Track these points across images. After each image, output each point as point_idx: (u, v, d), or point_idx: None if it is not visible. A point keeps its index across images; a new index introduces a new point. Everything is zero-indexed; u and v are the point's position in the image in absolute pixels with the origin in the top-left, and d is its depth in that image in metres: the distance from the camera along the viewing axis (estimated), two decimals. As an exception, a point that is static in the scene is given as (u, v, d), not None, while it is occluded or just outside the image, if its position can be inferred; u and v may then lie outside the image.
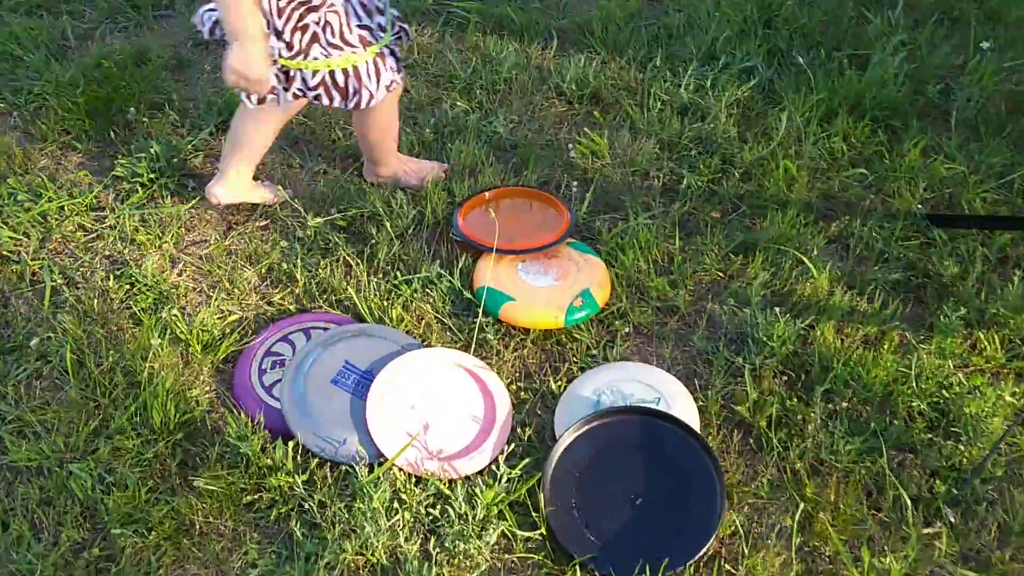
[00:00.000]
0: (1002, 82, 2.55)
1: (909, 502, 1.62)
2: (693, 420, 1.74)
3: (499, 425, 1.74)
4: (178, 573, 1.54)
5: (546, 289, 1.95)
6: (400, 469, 1.64)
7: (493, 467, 1.65)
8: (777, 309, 1.90)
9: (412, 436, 1.68)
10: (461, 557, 1.53)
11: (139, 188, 2.21)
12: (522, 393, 1.82)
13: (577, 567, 1.53)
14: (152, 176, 2.21)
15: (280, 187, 2.19)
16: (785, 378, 1.83)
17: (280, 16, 1.73)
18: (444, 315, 1.94)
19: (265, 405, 1.75)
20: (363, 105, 1.87)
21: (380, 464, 1.65)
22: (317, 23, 1.75)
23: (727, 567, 1.55)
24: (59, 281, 2.00)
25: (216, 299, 1.97)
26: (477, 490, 1.60)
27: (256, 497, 1.62)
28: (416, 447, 1.67)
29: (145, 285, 1.98)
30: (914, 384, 1.79)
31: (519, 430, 1.75)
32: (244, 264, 2.06)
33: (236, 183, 2.10)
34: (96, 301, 1.94)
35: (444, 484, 1.63)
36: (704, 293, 2.02)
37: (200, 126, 2.40)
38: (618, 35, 2.74)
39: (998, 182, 2.26)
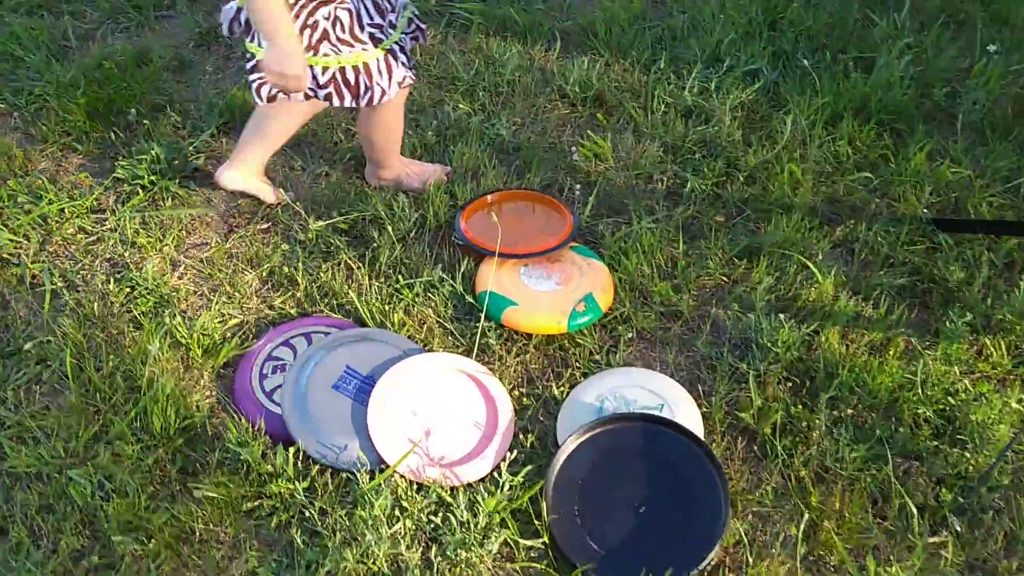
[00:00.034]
0: (1009, 85, 2.53)
1: (915, 510, 1.61)
2: (697, 427, 1.73)
3: (501, 431, 1.72)
4: (178, 581, 1.54)
5: (549, 294, 1.94)
6: (401, 476, 1.63)
7: (495, 474, 1.64)
8: (782, 315, 1.88)
9: (414, 443, 1.67)
10: (463, 566, 1.52)
11: (140, 190, 2.20)
12: (524, 399, 1.81)
13: (580, 576, 1.52)
14: (153, 178, 2.20)
15: (281, 190, 2.18)
16: (790, 384, 1.82)
17: (289, 12, 1.73)
18: (446, 319, 1.93)
19: (266, 410, 1.74)
20: (375, 102, 1.86)
21: (381, 471, 1.64)
22: (327, 19, 1.74)
23: (731, 576, 1.54)
24: (59, 284, 1.99)
25: (217, 303, 1.96)
26: (479, 497, 1.59)
27: (256, 504, 1.61)
28: (418, 453, 1.66)
29: (145, 288, 1.97)
30: (920, 391, 1.78)
31: (521, 436, 1.73)
32: (245, 267, 2.05)
33: (248, 171, 2.10)
34: (96, 304, 1.93)
35: (446, 491, 1.62)
36: (708, 298, 2.00)
37: (201, 128, 2.39)
38: (622, 37, 2.72)
39: (1004, 186, 2.24)
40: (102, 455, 1.66)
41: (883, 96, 2.43)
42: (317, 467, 1.65)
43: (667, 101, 2.48)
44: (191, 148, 2.31)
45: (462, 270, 1.99)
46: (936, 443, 1.72)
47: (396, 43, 1.85)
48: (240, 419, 1.71)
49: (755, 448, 1.73)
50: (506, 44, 2.70)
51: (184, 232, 2.13)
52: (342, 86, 1.82)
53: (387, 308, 1.93)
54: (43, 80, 2.50)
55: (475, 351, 1.86)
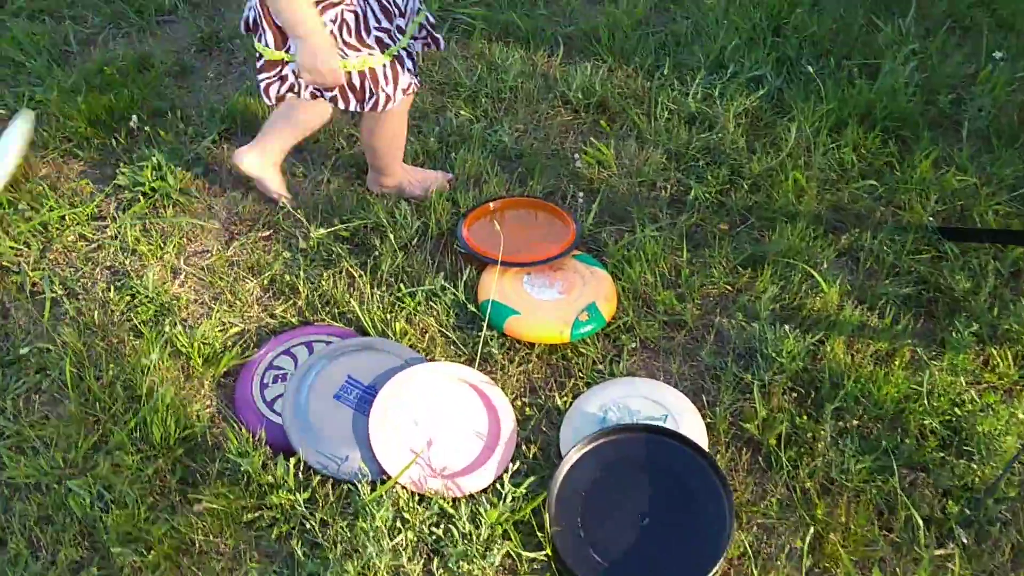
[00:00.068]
0: (1015, 92, 2.51)
1: (921, 523, 1.59)
2: (701, 438, 1.71)
3: (504, 442, 1.71)
4: (177, 593, 1.52)
5: (551, 302, 1.93)
6: (403, 487, 1.62)
7: (497, 485, 1.63)
8: (787, 325, 1.87)
9: (416, 453, 1.65)
10: (465, 578, 1.51)
11: (141, 197, 2.19)
12: (527, 409, 1.79)
13: (583, 589, 1.51)
14: (154, 185, 2.19)
15: (288, 194, 2.17)
16: (795, 395, 1.80)
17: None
18: (448, 328, 1.91)
19: (266, 420, 1.73)
20: (379, 108, 1.85)
21: (383, 481, 1.63)
22: (334, 22, 1.73)
23: (736, 590, 1.53)
24: (59, 292, 1.98)
25: (218, 311, 1.95)
26: (481, 509, 1.57)
27: (257, 515, 1.60)
28: (419, 464, 1.64)
29: (146, 297, 1.96)
30: (926, 401, 1.76)
31: (524, 447, 1.72)
32: (246, 275, 2.04)
33: (267, 158, 2.10)
34: (96, 313, 1.92)
35: (448, 503, 1.60)
36: (712, 307, 1.99)
37: (203, 134, 2.38)
38: (625, 42, 2.71)
39: (1010, 195, 2.23)
40: (101, 465, 1.65)
41: (888, 103, 2.41)
42: (318, 478, 1.64)
43: (671, 108, 2.47)
44: (192, 155, 2.29)
45: (464, 278, 1.98)
46: (942, 454, 1.71)
47: (404, 49, 1.84)
48: (240, 429, 1.70)
49: (760, 459, 1.71)
50: (509, 49, 2.69)
51: (185, 240, 2.12)
52: (347, 90, 1.82)
53: (389, 317, 1.92)
54: (44, 85, 2.49)
55: (477, 360, 1.85)
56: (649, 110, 2.48)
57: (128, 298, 1.97)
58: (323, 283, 1.99)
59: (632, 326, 1.93)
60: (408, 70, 1.86)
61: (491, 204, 2.16)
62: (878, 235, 2.12)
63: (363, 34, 1.76)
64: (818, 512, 1.60)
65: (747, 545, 1.57)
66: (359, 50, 1.77)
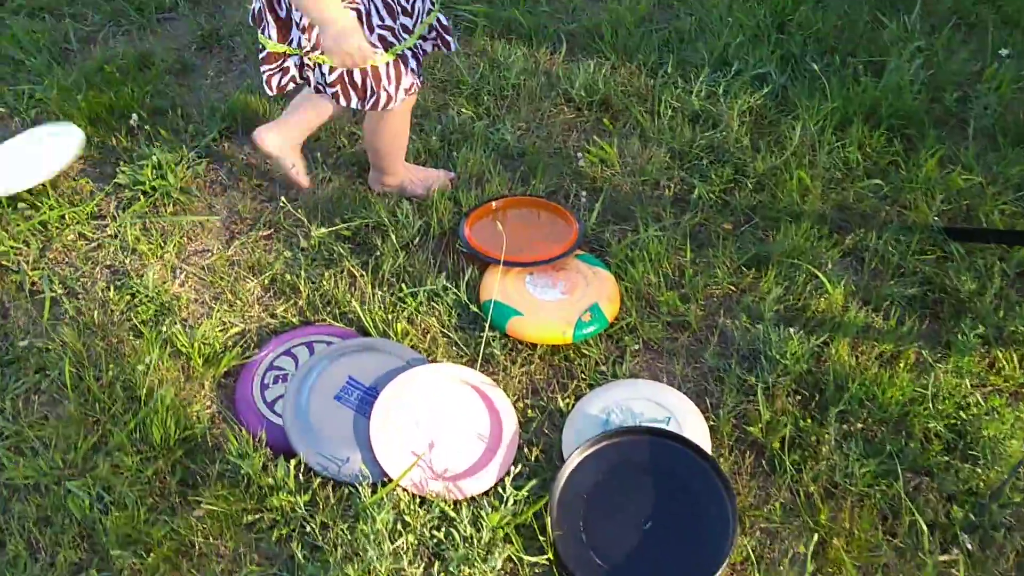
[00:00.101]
0: (1021, 90, 2.49)
1: (925, 528, 1.58)
2: (704, 441, 1.70)
3: (505, 444, 1.70)
4: (177, 596, 1.52)
5: (554, 303, 1.91)
6: (404, 490, 1.61)
7: (499, 488, 1.62)
8: (791, 328, 1.85)
9: (417, 456, 1.64)
10: (466, 582, 1.50)
11: (141, 196, 2.18)
12: (529, 411, 1.78)
13: (585, 593, 1.50)
14: (155, 184, 2.18)
15: (305, 181, 2.17)
16: (799, 397, 1.79)
17: (297, 9, 1.72)
18: (450, 329, 1.90)
19: (267, 421, 1.72)
20: (380, 107, 1.84)
21: (384, 484, 1.62)
22: None
23: (738, 594, 1.52)
24: (59, 291, 1.97)
25: (218, 311, 1.94)
26: (483, 512, 1.56)
27: (257, 517, 1.59)
28: (421, 467, 1.63)
29: (146, 296, 1.95)
30: (931, 405, 1.75)
31: (526, 449, 1.71)
32: (247, 275, 2.03)
33: (289, 139, 2.09)
34: (96, 312, 1.91)
35: (449, 505, 1.59)
36: (716, 308, 1.97)
37: (204, 132, 2.37)
38: (628, 39, 2.69)
39: (1016, 194, 2.21)
40: (101, 466, 1.64)
41: (893, 101, 2.39)
42: (319, 480, 1.63)
43: (674, 105, 2.45)
44: (193, 153, 2.28)
45: (466, 278, 1.97)
46: (947, 458, 1.69)
47: (409, 49, 1.83)
48: (241, 430, 1.69)
49: (763, 463, 1.70)
50: (511, 47, 2.67)
51: (185, 239, 2.11)
52: (349, 87, 1.80)
53: (390, 317, 1.90)
54: (44, 83, 2.47)
55: (479, 361, 1.83)
56: (652, 108, 2.46)
57: (128, 297, 1.96)
58: (324, 283, 1.98)
59: (635, 327, 1.92)
60: (412, 70, 1.84)
61: (493, 203, 2.15)
62: (883, 235, 2.10)
63: (365, 31, 1.75)
64: (822, 517, 1.59)
65: (750, 550, 1.56)
66: None
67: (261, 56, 1.84)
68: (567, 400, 1.79)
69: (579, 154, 2.34)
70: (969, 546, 1.57)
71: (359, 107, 1.84)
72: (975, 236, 2.09)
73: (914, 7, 2.76)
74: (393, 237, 2.05)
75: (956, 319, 1.92)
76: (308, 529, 1.56)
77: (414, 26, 1.82)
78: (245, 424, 1.72)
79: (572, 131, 2.44)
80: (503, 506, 1.57)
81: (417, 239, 2.09)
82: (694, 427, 1.71)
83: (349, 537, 1.54)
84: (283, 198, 2.17)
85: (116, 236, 2.10)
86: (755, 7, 2.76)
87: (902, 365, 1.83)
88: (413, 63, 1.85)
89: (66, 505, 1.58)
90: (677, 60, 2.61)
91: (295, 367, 1.80)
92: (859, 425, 1.73)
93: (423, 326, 1.90)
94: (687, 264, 2.04)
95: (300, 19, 1.73)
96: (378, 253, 2.04)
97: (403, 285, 1.97)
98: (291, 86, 1.87)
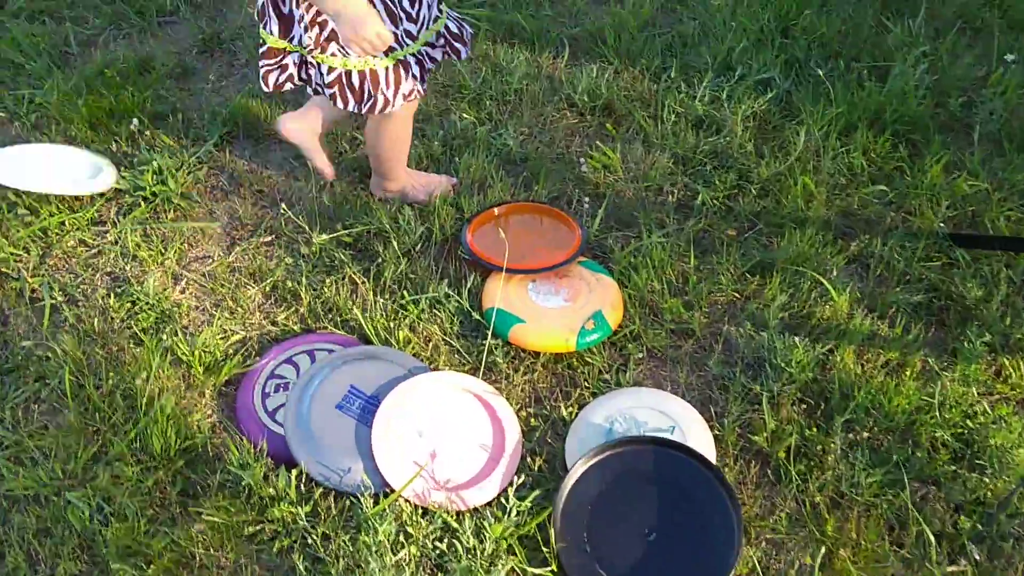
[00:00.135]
0: (1026, 95, 2.48)
1: (932, 538, 1.57)
2: (709, 450, 1.68)
3: (508, 454, 1.69)
4: (177, 608, 1.50)
5: (557, 310, 1.90)
6: (406, 500, 1.59)
7: (502, 498, 1.60)
8: (796, 335, 1.84)
9: (420, 466, 1.63)
10: (469, 594, 1.49)
11: (142, 202, 2.17)
12: (532, 420, 1.77)
13: (589, 606, 1.48)
14: (155, 190, 2.16)
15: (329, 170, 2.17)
16: (804, 406, 1.77)
17: (299, 6, 1.72)
18: (452, 337, 1.89)
19: (268, 431, 1.70)
20: (377, 111, 1.82)
21: (386, 494, 1.61)
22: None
23: (744, 606, 1.50)
24: (59, 299, 1.96)
25: (219, 318, 1.92)
26: (486, 523, 1.55)
27: (258, 528, 1.58)
28: (423, 477, 1.62)
29: (147, 303, 1.94)
30: (937, 413, 1.74)
31: (529, 459, 1.69)
32: (248, 282, 2.01)
33: (310, 128, 2.10)
34: (96, 320, 1.89)
35: (451, 516, 1.58)
36: (720, 315, 1.96)
37: (205, 137, 2.36)
38: (631, 44, 2.68)
39: (1022, 200, 2.19)
40: (101, 477, 1.62)
41: (898, 106, 2.38)
42: (320, 490, 1.62)
43: (677, 111, 2.44)
44: (194, 159, 2.27)
45: (468, 285, 1.96)
46: (954, 468, 1.68)
47: (413, 55, 1.81)
48: (242, 440, 1.68)
49: (768, 472, 1.69)
50: (513, 51, 2.66)
51: (186, 245, 2.10)
52: (346, 90, 1.79)
53: (392, 325, 1.89)
54: (44, 88, 2.46)
55: (482, 370, 1.82)
56: (656, 113, 2.45)
57: (128, 305, 1.94)
58: (325, 290, 1.97)
59: (639, 335, 1.90)
60: (413, 76, 1.83)
61: (496, 209, 2.13)
62: (888, 241, 2.09)
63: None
64: (828, 528, 1.58)
65: (756, 561, 1.54)
66: None
67: (261, 51, 1.83)
68: (570, 409, 1.77)
69: (582, 160, 2.33)
70: (977, 557, 1.56)
71: (356, 110, 1.83)
72: (981, 243, 2.07)
73: (919, 11, 2.74)
74: (395, 243, 2.04)
75: (962, 326, 1.91)
76: (310, 540, 1.55)
77: (418, 32, 1.81)
78: (246, 433, 1.71)
79: (575, 136, 2.43)
80: (506, 517, 1.56)
81: (419, 245, 2.07)
82: (698, 436, 1.70)
83: (351, 548, 1.52)
84: (284, 204, 2.15)
85: (116, 242, 2.08)
86: (759, 11, 2.75)
87: (908, 373, 1.81)
88: (416, 69, 1.83)
89: (66, 516, 1.56)
90: (680, 65, 2.59)
91: (296, 375, 1.79)
92: (865, 434, 1.71)
93: (425, 334, 1.89)
94: (691, 271, 2.02)
95: (301, 16, 1.72)
96: (380, 260, 2.02)
97: (405, 292, 1.96)
98: (289, 86, 1.86)
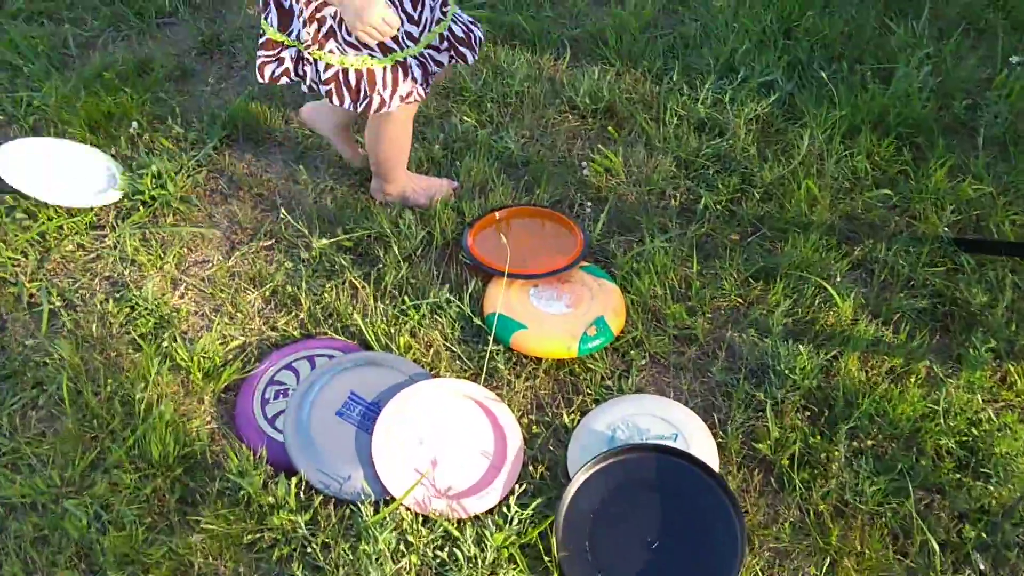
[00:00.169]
0: (1031, 98, 2.47)
1: (937, 548, 1.56)
2: (712, 458, 1.67)
3: (510, 461, 1.67)
4: (176, 617, 1.49)
5: (559, 316, 1.89)
6: (407, 508, 1.58)
7: (503, 507, 1.59)
8: (800, 342, 1.83)
9: (420, 474, 1.62)
10: (470, 604, 1.47)
11: (140, 206, 2.15)
12: (534, 427, 1.75)
13: (591, 616, 1.47)
14: (154, 193, 2.15)
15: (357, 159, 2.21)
16: (808, 413, 1.76)
17: (299, 0, 1.70)
18: (453, 342, 1.87)
19: (268, 438, 1.69)
20: (372, 110, 1.81)
21: (387, 502, 1.59)
22: (333, 18, 1.70)
23: (747, 617, 1.49)
24: (57, 304, 1.94)
25: (218, 323, 1.91)
26: (487, 531, 1.54)
27: (257, 536, 1.56)
28: (424, 485, 1.61)
29: (145, 308, 1.92)
30: (942, 421, 1.72)
31: (531, 467, 1.68)
32: (247, 287, 2.00)
33: (328, 117, 2.15)
34: (95, 325, 1.88)
35: (452, 524, 1.57)
36: (723, 321, 1.94)
37: (204, 140, 2.34)
38: (633, 45, 2.66)
39: (1028, 204, 2.18)
40: (99, 484, 1.61)
41: (902, 108, 2.36)
42: (320, 498, 1.60)
43: (680, 113, 2.42)
44: (193, 162, 2.26)
45: (470, 291, 1.94)
46: (959, 476, 1.67)
47: (414, 56, 1.80)
48: (241, 447, 1.67)
49: (772, 480, 1.67)
50: (514, 53, 2.64)
51: (185, 249, 2.08)
52: (343, 87, 1.78)
53: (392, 330, 1.88)
54: (42, 90, 2.44)
55: (483, 376, 1.81)
56: (658, 116, 2.43)
57: (127, 310, 1.93)
58: (326, 295, 1.95)
59: (641, 341, 1.89)
60: (413, 78, 1.81)
61: (497, 213, 2.12)
62: (892, 246, 2.07)
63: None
64: (832, 537, 1.56)
65: (759, 570, 1.53)
66: (359, 50, 1.74)
67: (260, 41, 1.82)
68: (572, 416, 1.76)
69: (583, 163, 2.31)
70: (982, 566, 1.54)
71: (351, 108, 1.82)
72: (986, 248, 2.06)
73: (922, 12, 2.73)
74: (395, 248, 2.03)
75: (967, 332, 1.90)
76: (309, 549, 1.54)
77: (420, 35, 1.79)
78: (245, 440, 1.70)
79: (576, 139, 2.41)
80: (508, 525, 1.54)
81: (420, 250, 2.06)
82: (701, 444, 1.69)
83: (351, 557, 1.51)
84: (283, 209, 2.14)
85: (115, 247, 2.07)
86: (761, 12, 2.73)
87: (912, 380, 1.80)
88: (417, 72, 1.82)
89: (63, 524, 1.55)
90: (682, 66, 2.58)
91: (296, 382, 1.78)
92: (869, 442, 1.70)
93: (426, 339, 1.88)
94: (694, 276, 2.01)
95: (300, 11, 1.71)
96: (380, 264, 2.01)
97: (406, 297, 1.94)
98: (284, 80, 1.85)
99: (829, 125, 2.34)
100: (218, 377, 1.80)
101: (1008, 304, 1.93)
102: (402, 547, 1.53)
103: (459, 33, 1.86)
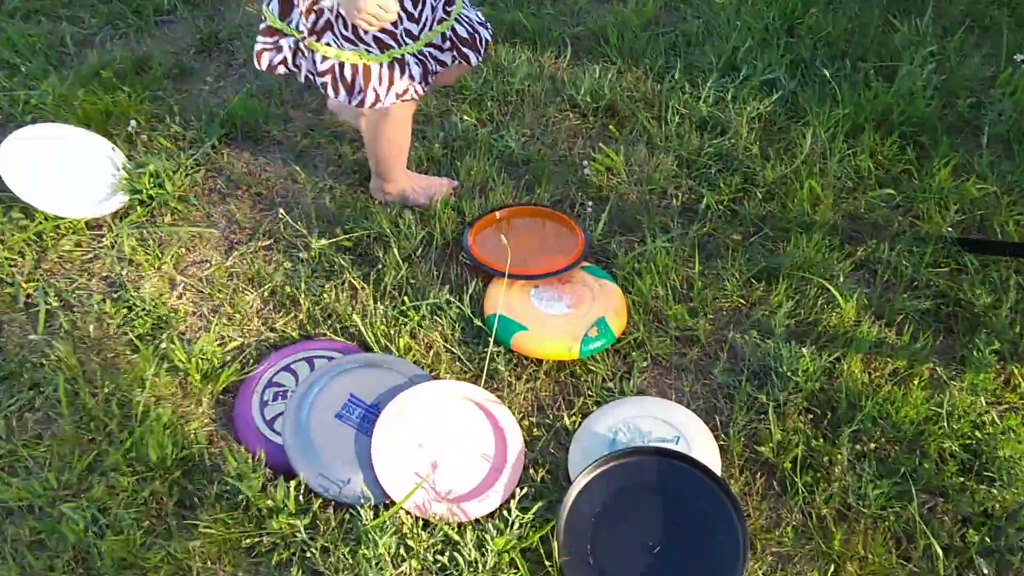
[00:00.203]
0: (1035, 96, 2.45)
1: (940, 552, 1.54)
2: (714, 461, 1.66)
3: (511, 464, 1.66)
4: (174, 622, 1.48)
5: (560, 317, 1.87)
6: (407, 512, 1.57)
7: (504, 511, 1.58)
8: (802, 343, 1.81)
9: (420, 477, 1.60)
10: (470, 609, 1.46)
11: (138, 205, 2.13)
12: (535, 429, 1.74)
13: (592, 621, 1.46)
14: (152, 193, 2.13)
15: None
16: (810, 416, 1.75)
17: None
18: (453, 344, 1.86)
19: (266, 440, 1.68)
20: (366, 105, 1.79)
21: (386, 506, 1.58)
22: (331, 11, 1.68)
23: (750, 622, 1.48)
24: (54, 304, 1.93)
25: (217, 324, 1.89)
26: (488, 536, 1.52)
27: (256, 540, 1.55)
28: (424, 488, 1.59)
29: (143, 309, 1.91)
30: (945, 423, 1.71)
31: (531, 470, 1.67)
32: (246, 287, 1.98)
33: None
34: (92, 326, 1.87)
35: (453, 528, 1.55)
36: (725, 322, 1.93)
37: (202, 139, 2.32)
38: (634, 43, 2.64)
39: (1032, 204, 2.17)
40: (96, 487, 1.60)
41: (905, 107, 2.35)
42: (319, 501, 1.59)
43: (682, 112, 2.41)
44: (191, 161, 2.24)
45: (470, 291, 1.93)
46: (962, 479, 1.65)
47: (412, 54, 1.78)
48: (239, 450, 1.65)
49: (774, 483, 1.66)
50: (515, 51, 2.62)
51: (183, 249, 2.07)
52: (338, 80, 1.77)
53: (392, 332, 1.86)
54: (40, 89, 2.43)
55: (483, 378, 1.79)
56: (659, 114, 2.41)
57: (124, 310, 1.91)
58: (325, 295, 1.94)
59: (643, 342, 1.88)
60: (411, 76, 1.79)
61: (497, 213, 2.10)
62: (895, 246, 2.06)
63: (361, 31, 1.70)
64: (835, 541, 1.55)
65: (761, 575, 1.52)
66: (356, 45, 1.72)
67: (260, 28, 1.81)
68: (573, 418, 1.75)
69: (584, 162, 2.30)
70: (985, 571, 1.53)
71: (346, 102, 1.80)
72: (990, 248, 2.04)
73: (926, 10, 2.71)
74: (395, 248, 2.01)
75: (971, 334, 1.88)
76: (308, 553, 1.52)
77: (420, 32, 1.77)
78: (244, 443, 1.68)
79: (577, 138, 2.40)
80: (508, 529, 1.53)
81: (419, 250, 2.04)
82: (703, 447, 1.67)
83: (351, 562, 1.50)
84: (282, 209, 2.12)
85: (113, 247, 2.05)
86: (763, 10, 2.71)
87: (916, 383, 1.78)
88: (416, 70, 1.80)
89: (60, 528, 1.54)
90: (684, 64, 2.56)
91: (295, 383, 1.77)
92: (872, 445, 1.69)
93: (426, 341, 1.86)
94: (695, 276, 1.99)
95: (302, 1, 1.70)
96: (380, 265, 1.99)
97: (405, 298, 1.93)
98: (282, 69, 1.83)
99: (832, 124, 2.33)
100: (216, 379, 1.78)
101: (1012, 305, 1.92)
102: (402, 552, 1.52)
103: (463, 33, 1.85)
